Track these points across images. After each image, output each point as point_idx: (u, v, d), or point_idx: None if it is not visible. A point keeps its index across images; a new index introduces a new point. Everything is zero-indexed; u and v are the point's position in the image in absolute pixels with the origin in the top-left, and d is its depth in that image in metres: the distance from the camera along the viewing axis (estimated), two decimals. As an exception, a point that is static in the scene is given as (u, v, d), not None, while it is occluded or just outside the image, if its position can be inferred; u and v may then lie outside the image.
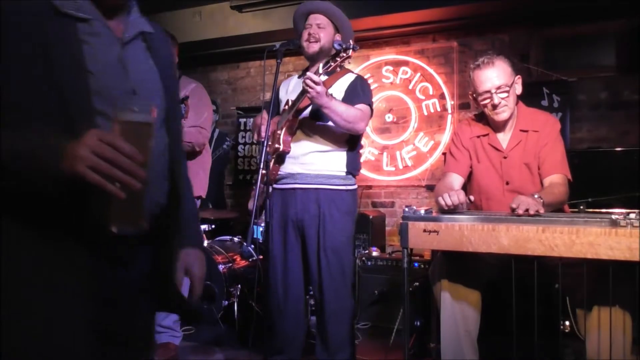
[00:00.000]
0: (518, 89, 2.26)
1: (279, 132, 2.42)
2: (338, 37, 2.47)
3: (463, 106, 4.54)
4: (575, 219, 1.73)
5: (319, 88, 2.16)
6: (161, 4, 4.86)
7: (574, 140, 4.07)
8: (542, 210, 1.82)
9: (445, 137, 4.53)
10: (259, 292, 3.41)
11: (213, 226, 4.19)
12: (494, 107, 2.20)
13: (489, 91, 2.19)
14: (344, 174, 2.46)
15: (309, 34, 2.44)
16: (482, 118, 2.36)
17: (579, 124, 4.09)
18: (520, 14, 4.19)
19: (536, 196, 1.91)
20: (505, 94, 2.19)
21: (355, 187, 2.53)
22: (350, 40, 2.10)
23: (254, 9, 4.62)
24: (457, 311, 2.07)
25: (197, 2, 4.81)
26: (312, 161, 2.42)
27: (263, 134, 2.22)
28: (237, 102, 5.63)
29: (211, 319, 3.60)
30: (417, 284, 3.25)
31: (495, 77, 2.18)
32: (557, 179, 2.15)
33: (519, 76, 2.27)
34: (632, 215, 1.61)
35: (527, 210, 1.81)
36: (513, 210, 1.84)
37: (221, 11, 4.80)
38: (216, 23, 4.85)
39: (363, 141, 4.74)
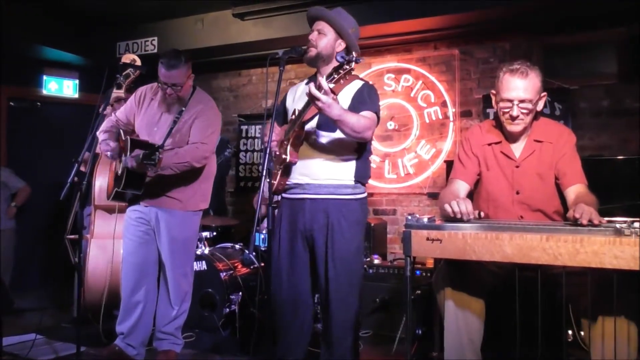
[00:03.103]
0: (540, 105, 2.20)
1: (285, 142, 2.39)
2: (342, 44, 2.46)
3: (465, 114, 4.54)
4: (579, 227, 1.72)
5: (324, 99, 2.11)
6: (164, 11, 4.89)
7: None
8: (604, 221, 1.74)
9: (447, 145, 4.53)
10: (261, 300, 3.40)
11: (214, 233, 4.19)
12: (512, 118, 2.15)
13: (511, 100, 2.13)
14: (353, 182, 2.42)
15: (309, 40, 2.45)
16: (495, 125, 2.32)
17: (580, 131, 4.08)
18: (521, 22, 4.21)
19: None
20: (526, 110, 2.14)
21: (364, 195, 2.50)
22: (354, 53, 2.05)
23: (255, 17, 4.65)
24: (461, 319, 2.05)
25: (200, 9, 4.84)
26: (319, 171, 2.38)
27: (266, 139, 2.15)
28: (239, 109, 5.64)
29: (212, 326, 3.59)
30: (419, 292, 3.24)
31: (523, 89, 2.12)
32: (583, 188, 2.10)
33: (544, 93, 2.21)
34: (636, 224, 1.60)
35: (590, 220, 1.72)
36: (576, 219, 1.74)
37: (223, 19, 4.83)
38: (218, 31, 4.87)
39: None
